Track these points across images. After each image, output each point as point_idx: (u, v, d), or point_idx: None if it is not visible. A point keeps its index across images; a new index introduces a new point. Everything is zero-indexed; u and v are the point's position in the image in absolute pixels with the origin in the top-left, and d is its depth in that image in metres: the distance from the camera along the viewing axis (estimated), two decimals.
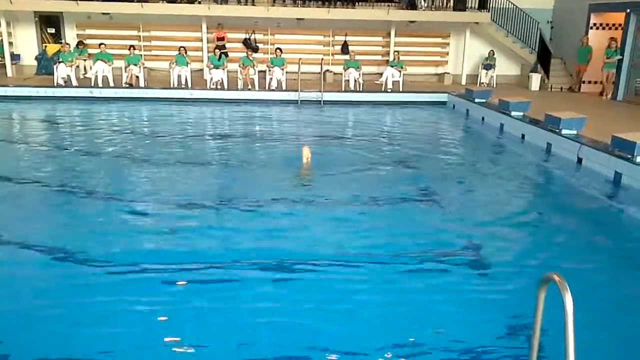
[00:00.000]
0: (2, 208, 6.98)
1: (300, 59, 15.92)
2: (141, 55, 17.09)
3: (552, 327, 3.25)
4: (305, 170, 8.96)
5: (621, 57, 15.49)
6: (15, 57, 17.59)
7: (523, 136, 11.47)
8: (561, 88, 17.72)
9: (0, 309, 4.48)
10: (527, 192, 8.62)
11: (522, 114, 12.22)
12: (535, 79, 17.74)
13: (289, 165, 9.14)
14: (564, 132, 10.16)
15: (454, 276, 5.30)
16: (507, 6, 18.31)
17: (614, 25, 16.92)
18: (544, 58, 18.00)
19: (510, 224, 6.86)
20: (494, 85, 17.57)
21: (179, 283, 5.01)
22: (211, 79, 16.03)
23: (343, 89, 16.48)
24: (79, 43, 17.34)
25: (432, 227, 6.59)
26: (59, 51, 16.73)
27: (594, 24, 17.21)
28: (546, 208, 7.75)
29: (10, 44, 17.47)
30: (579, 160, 9.41)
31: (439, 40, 19.13)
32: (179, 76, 16.08)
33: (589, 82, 17.33)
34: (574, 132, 10.14)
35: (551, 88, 17.74)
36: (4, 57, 17.15)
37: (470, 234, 6.36)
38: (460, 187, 8.41)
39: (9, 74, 17.18)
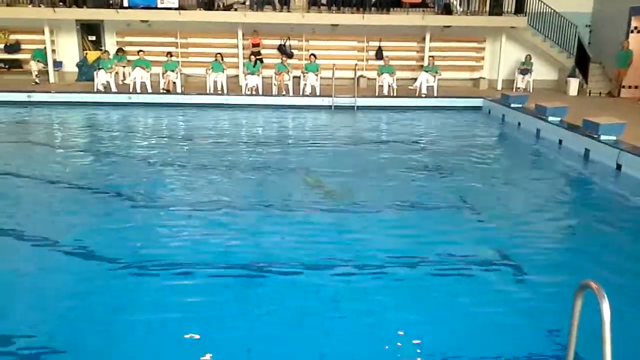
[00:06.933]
0: (44, 210, 7.18)
1: (334, 64, 15.98)
2: (178, 61, 17.41)
3: (589, 335, 3.21)
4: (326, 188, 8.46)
5: None
6: (57, 64, 18.12)
7: (560, 142, 11.29)
8: (600, 93, 17.37)
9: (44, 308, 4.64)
10: (564, 198, 8.48)
11: (559, 119, 12.03)
12: (573, 84, 17.43)
13: (322, 169, 9.17)
14: (602, 137, 9.97)
15: (490, 283, 5.26)
16: (544, 10, 18.03)
17: None
18: (582, 62, 17.68)
19: (547, 231, 6.79)
20: (531, 91, 17.32)
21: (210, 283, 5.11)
22: (246, 84, 16.24)
23: (377, 95, 16.49)
24: (119, 50, 17.76)
25: (467, 233, 6.54)
26: (99, 58, 17.18)
27: (635, 27, 16.82)
28: (584, 215, 7.61)
29: (53, 51, 18.00)
30: (618, 167, 9.22)
31: (475, 45, 18.96)
32: (215, 82, 16.34)
33: (629, 86, 16.95)
34: (613, 137, 9.94)
35: (590, 93, 17.40)
36: (47, 64, 17.67)
37: (507, 240, 6.31)
38: (496, 193, 8.33)
39: (52, 80, 17.70)
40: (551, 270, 5.58)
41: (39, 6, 16.94)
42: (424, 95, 16.41)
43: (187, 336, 4.20)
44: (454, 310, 4.71)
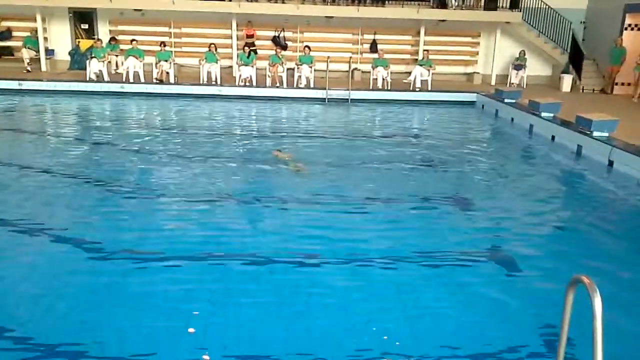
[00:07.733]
0: (34, 199, 7.10)
1: (328, 57, 15.91)
2: (172, 51, 17.32)
3: (580, 330, 3.22)
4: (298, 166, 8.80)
5: None
6: (49, 52, 17.97)
7: (553, 138, 11.32)
8: (593, 90, 17.44)
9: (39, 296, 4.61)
10: (556, 194, 8.49)
11: (552, 115, 12.06)
12: (567, 80, 17.48)
13: (312, 162, 9.15)
14: (595, 134, 10.00)
15: (480, 278, 5.25)
16: (539, 6, 18.07)
17: None
18: (576, 59, 17.74)
19: (538, 226, 6.78)
20: (524, 86, 17.36)
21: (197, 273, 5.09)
22: (240, 75, 16.17)
23: (371, 88, 16.46)
24: (111, 39, 17.61)
25: (458, 228, 6.53)
26: (91, 47, 17.04)
27: (629, 25, 16.88)
28: (576, 211, 7.62)
29: (45, 39, 17.85)
30: (610, 163, 9.25)
31: (469, 39, 18.98)
32: (209, 73, 16.26)
33: (622, 83, 17.02)
34: (606, 134, 9.97)
35: (583, 89, 17.46)
36: (38, 52, 17.52)
37: (498, 236, 6.32)
38: (487, 188, 8.34)
39: (43, 68, 17.57)
40: (542, 265, 5.58)
41: None
42: (418, 89, 16.40)
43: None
44: (445, 306, 4.70)
